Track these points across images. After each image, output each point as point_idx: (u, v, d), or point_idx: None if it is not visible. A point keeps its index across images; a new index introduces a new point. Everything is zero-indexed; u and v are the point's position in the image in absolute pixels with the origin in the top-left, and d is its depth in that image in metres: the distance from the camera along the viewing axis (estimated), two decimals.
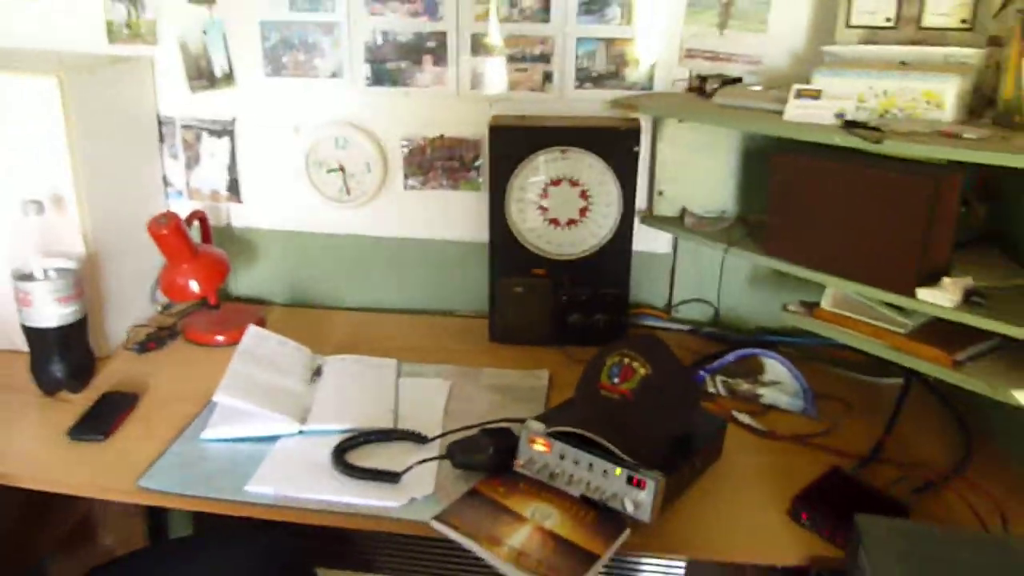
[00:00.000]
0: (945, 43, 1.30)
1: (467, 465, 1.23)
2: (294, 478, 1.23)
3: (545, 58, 1.62)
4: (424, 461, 1.25)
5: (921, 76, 1.21)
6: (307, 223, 1.81)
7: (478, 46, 1.63)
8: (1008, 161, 1.05)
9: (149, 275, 1.72)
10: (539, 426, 1.18)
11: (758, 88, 1.44)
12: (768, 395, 1.45)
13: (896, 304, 1.28)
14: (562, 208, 1.59)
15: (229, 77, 1.72)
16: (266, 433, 1.33)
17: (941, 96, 1.19)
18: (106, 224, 1.55)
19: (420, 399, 1.45)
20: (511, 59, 1.64)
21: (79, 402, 1.41)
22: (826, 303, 1.39)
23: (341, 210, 1.77)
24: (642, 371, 1.20)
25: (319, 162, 1.74)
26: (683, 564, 1.62)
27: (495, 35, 1.62)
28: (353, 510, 1.17)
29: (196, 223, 1.69)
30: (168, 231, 1.51)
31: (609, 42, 1.60)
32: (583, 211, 1.59)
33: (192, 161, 1.79)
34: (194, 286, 1.58)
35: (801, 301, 1.45)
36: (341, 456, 1.26)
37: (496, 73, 1.65)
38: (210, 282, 1.60)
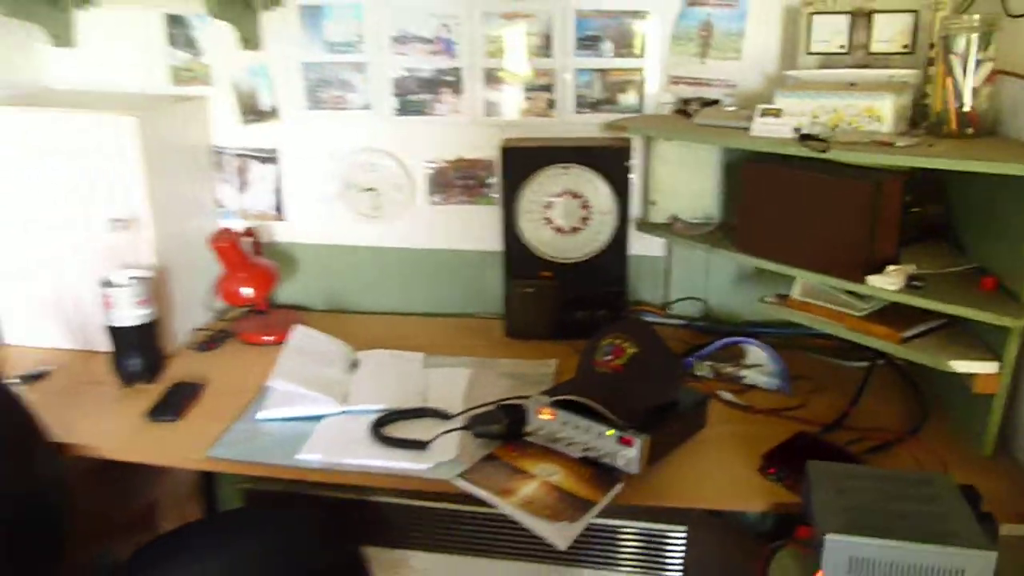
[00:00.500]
0: (889, 66, 1.51)
1: (484, 434, 1.45)
2: (338, 447, 1.45)
3: (548, 88, 1.86)
4: (448, 432, 1.46)
5: (863, 95, 1.42)
6: (343, 237, 2.05)
7: (490, 78, 1.87)
8: (927, 164, 1.25)
9: (205, 286, 1.96)
10: (545, 398, 1.40)
11: (732, 108, 1.66)
12: (749, 376, 1.65)
13: (853, 291, 1.48)
14: (565, 217, 1.81)
15: (274, 112, 1.97)
16: (312, 413, 1.55)
17: (880, 111, 1.40)
18: (172, 241, 1.80)
19: (444, 385, 1.67)
20: (518, 89, 1.87)
21: (153, 391, 1.65)
22: (795, 293, 1.59)
23: (373, 225, 2.01)
24: (631, 350, 1.41)
25: (353, 183, 1.98)
26: (684, 531, 1.81)
27: (507, 68, 1.86)
28: (389, 472, 1.39)
29: (248, 239, 1.94)
30: (227, 244, 1.76)
31: (603, 72, 1.83)
32: (584, 219, 1.81)
33: (242, 185, 2.04)
34: (248, 292, 1.83)
35: (777, 294, 1.66)
36: (377, 429, 1.48)
37: (506, 102, 1.89)
38: (261, 289, 1.85)
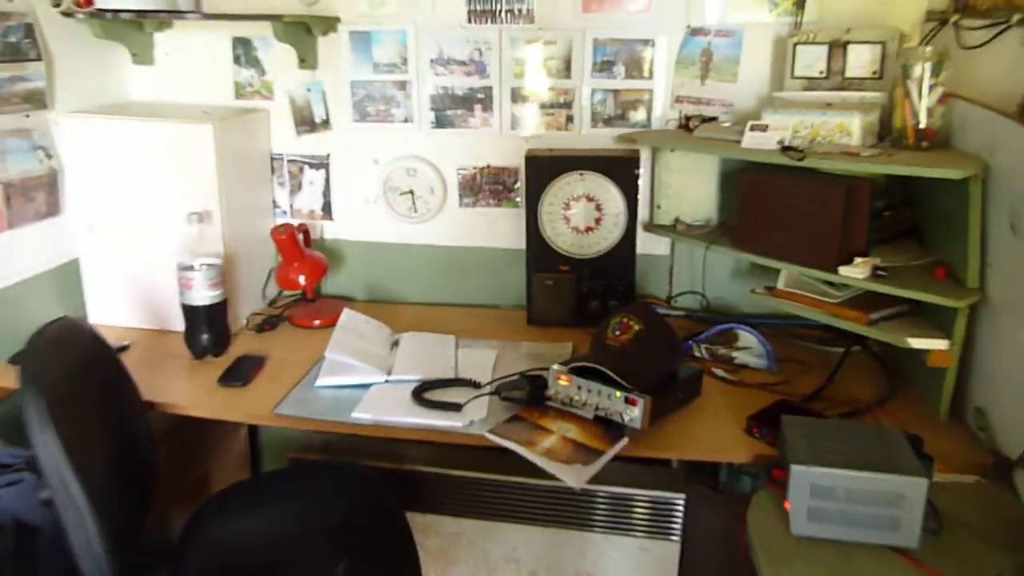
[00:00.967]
0: (861, 89, 1.76)
1: (510, 399, 1.69)
2: (385, 408, 1.69)
3: (567, 105, 2.12)
4: (479, 396, 1.71)
5: (836, 113, 1.67)
6: (383, 235, 2.31)
7: (516, 96, 2.13)
8: (884, 169, 1.51)
9: (261, 276, 2.22)
10: (563, 367, 1.64)
11: (727, 124, 1.91)
12: (740, 357, 1.89)
13: (829, 280, 1.72)
14: (581, 218, 2.06)
15: (326, 123, 2.24)
16: (361, 381, 1.80)
17: (850, 127, 1.64)
18: (236, 234, 2.06)
19: (473, 361, 1.91)
20: (541, 106, 2.13)
21: (221, 363, 1.90)
22: (781, 284, 1.83)
23: (410, 225, 2.27)
24: (636, 327, 1.65)
25: (393, 187, 2.25)
26: (683, 498, 2.04)
27: (531, 88, 2.12)
28: (429, 428, 1.64)
29: (301, 235, 2.20)
30: (286, 237, 2.03)
31: (616, 92, 2.09)
32: (597, 220, 2.06)
33: (295, 188, 2.31)
34: (302, 279, 2.09)
35: (765, 286, 1.90)
36: (418, 394, 1.72)
37: (530, 117, 2.15)
38: (313, 277, 2.11)
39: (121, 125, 1.98)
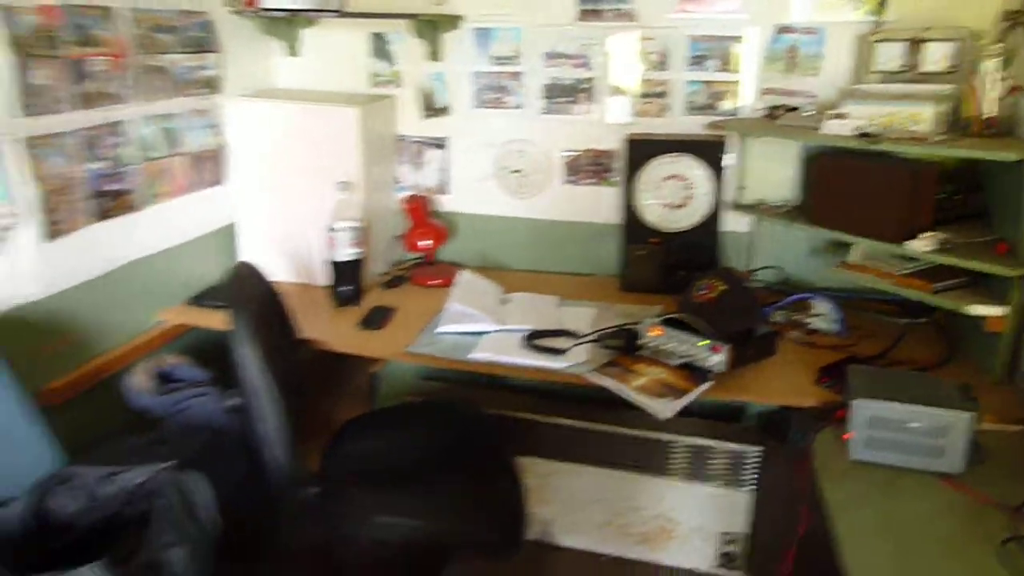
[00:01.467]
0: (937, 82, 1.95)
1: (608, 346, 1.96)
2: (500, 350, 1.99)
3: (662, 95, 2.36)
4: (581, 343, 1.98)
5: (910, 103, 1.87)
6: (494, 209, 2.61)
7: (617, 87, 2.39)
8: (948, 153, 1.72)
9: (387, 241, 2.55)
10: (655, 319, 1.90)
11: (808, 113, 2.12)
12: (813, 323, 2.10)
13: (897, 254, 1.92)
14: (672, 196, 2.31)
15: (447, 109, 2.55)
16: (477, 329, 2.09)
17: (921, 116, 1.84)
18: (371, 202, 2.39)
19: (574, 317, 2.19)
20: (639, 96, 2.39)
21: (358, 312, 2.23)
22: (852, 258, 2.04)
23: (519, 200, 2.57)
24: (720, 287, 1.90)
25: (504, 167, 2.54)
26: (760, 451, 2.26)
27: (631, 79, 2.38)
28: (537, 368, 1.92)
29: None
30: (416, 205, 2.35)
31: (708, 83, 2.32)
32: (687, 198, 2.30)
33: (417, 166, 2.63)
34: (427, 243, 2.42)
35: (841, 260, 2.11)
36: (528, 340, 2.01)
37: (629, 105, 2.41)
38: (437, 241, 2.43)
39: (280, 107, 2.34)
